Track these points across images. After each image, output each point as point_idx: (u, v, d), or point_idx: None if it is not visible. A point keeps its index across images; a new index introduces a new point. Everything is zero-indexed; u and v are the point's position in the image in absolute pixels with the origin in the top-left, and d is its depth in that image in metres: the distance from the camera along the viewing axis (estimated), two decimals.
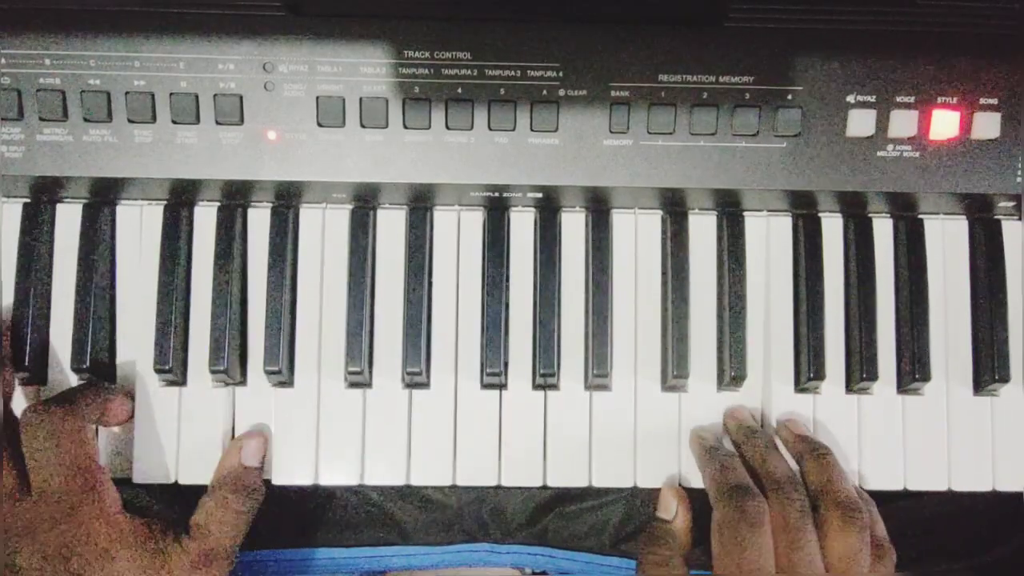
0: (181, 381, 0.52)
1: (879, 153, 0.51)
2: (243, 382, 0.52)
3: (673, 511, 0.50)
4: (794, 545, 0.44)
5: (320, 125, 0.49)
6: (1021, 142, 0.51)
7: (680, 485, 0.52)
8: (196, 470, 0.51)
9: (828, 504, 0.46)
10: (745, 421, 0.52)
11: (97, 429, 0.51)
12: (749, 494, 0.46)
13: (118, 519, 0.45)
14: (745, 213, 0.54)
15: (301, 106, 0.49)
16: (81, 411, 0.46)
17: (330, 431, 0.52)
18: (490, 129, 0.50)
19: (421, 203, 0.53)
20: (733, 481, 0.47)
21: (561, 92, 0.50)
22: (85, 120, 0.49)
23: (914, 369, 0.52)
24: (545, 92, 0.50)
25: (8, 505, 0.44)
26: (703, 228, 0.54)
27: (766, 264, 0.54)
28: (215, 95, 0.49)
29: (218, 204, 0.53)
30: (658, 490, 0.52)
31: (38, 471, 0.44)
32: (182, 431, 0.51)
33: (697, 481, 0.52)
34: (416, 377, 0.51)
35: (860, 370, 0.52)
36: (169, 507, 0.52)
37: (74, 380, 0.51)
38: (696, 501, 0.53)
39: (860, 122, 0.50)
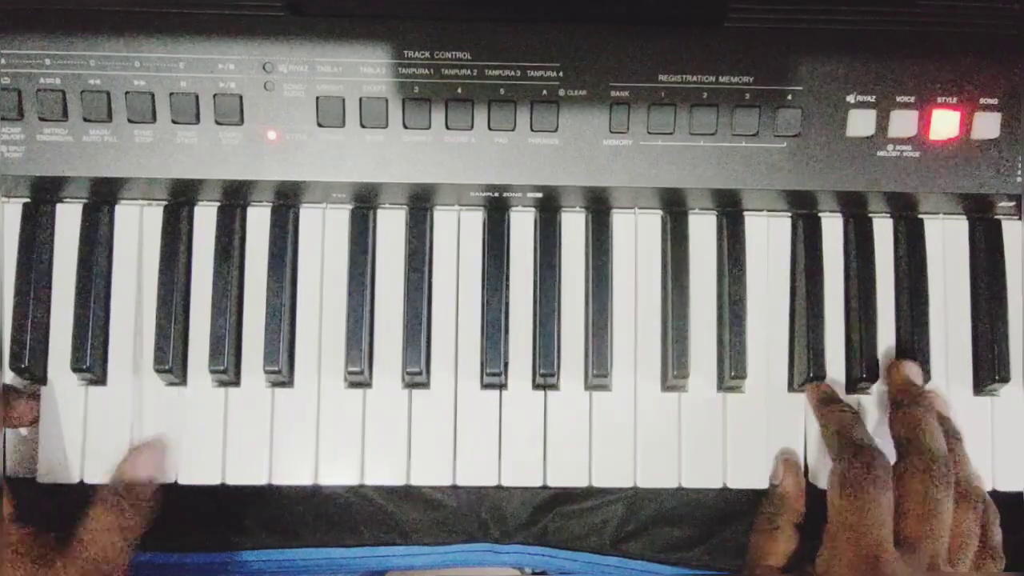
0: (181, 381, 0.52)
1: (879, 153, 0.51)
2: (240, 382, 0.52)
3: (780, 476, 0.51)
4: (929, 517, 0.45)
5: (320, 125, 0.49)
6: (1021, 142, 0.51)
7: (680, 485, 0.52)
8: (197, 470, 0.51)
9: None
10: (915, 379, 0.52)
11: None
12: (878, 453, 0.46)
13: (6, 529, 0.44)
14: (745, 213, 0.54)
15: (301, 106, 0.49)
16: None
17: (330, 431, 0.52)
18: (490, 129, 0.50)
19: (421, 203, 0.53)
20: (859, 437, 0.48)
21: (561, 92, 0.50)
22: (85, 120, 0.49)
23: None
24: (545, 92, 0.50)
25: None
26: (703, 228, 0.54)
27: (766, 264, 0.54)
28: (215, 95, 0.49)
29: (218, 204, 0.53)
30: (658, 490, 0.53)
31: None
32: (182, 431, 0.51)
33: (697, 482, 0.52)
34: (416, 377, 0.51)
35: (860, 370, 0.52)
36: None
37: (74, 380, 0.51)
38: (705, 501, 0.54)
39: (860, 122, 0.50)
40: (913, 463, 0.46)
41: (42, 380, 0.51)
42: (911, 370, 0.52)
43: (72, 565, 0.45)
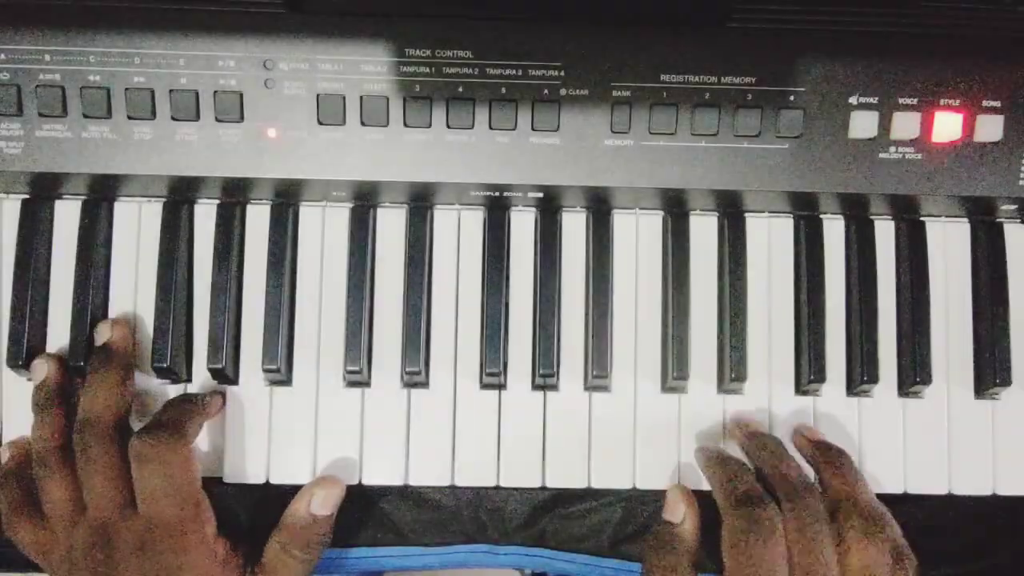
0: (180, 379, 0.52)
1: (881, 155, 0.50)
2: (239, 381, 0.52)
3: (681, 515, 0.49)
4: (807, 549, 0.44)
5: (320, 123, 0.49)
6: None
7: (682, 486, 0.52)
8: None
9: (850, 514, 0.46)
10: (753, 427, 0.51)
11: None
12: (761, 503, 0.45)
13: (216, 546, 0.47)
14: (746, 214, 0.54)
15: (301, 104, 0.49)
16: (189, 439, 0.47)
17: (328, 430, 0.52)
18: (491, 128, 0.50)
19: (421, 202, 0.53)
20: (743, 490, 0.46)
21: (562, 91, 0.49)
22: (84, 116, 0.49)
23: (915, 372, 0.52)
24: (546, 91, 0.49)
25: (117, 522, 0.46)
26: (704, 229, 0.54)
27: (767, 265, 0.54)
28: (215, 92, 0.49)
29: (218, 201, 0.52)
30: (657, 491, 0.52)
31: (149, 500, 0.46)
32: None
33: (696, 484, 0.52)
34: (415, 377, 0.51)
35: (861, 372, 0.52)
36: None
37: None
38: (701, 504, 0.53)
39: (862, 124, 0.50)
40: (783, 505, 0.45)
41: None
42: (746, 419, 0.52)
43: None
